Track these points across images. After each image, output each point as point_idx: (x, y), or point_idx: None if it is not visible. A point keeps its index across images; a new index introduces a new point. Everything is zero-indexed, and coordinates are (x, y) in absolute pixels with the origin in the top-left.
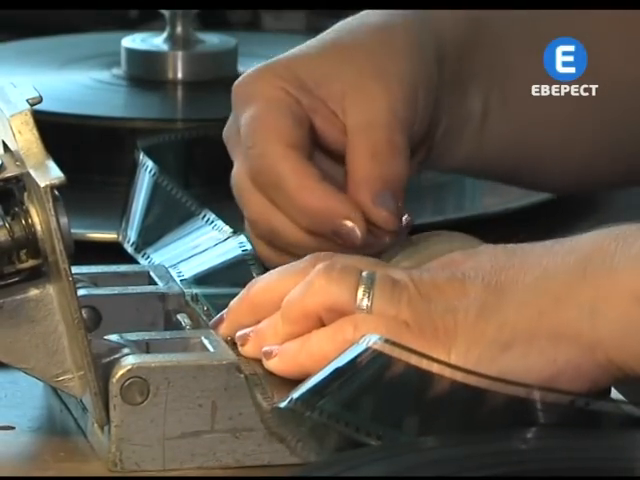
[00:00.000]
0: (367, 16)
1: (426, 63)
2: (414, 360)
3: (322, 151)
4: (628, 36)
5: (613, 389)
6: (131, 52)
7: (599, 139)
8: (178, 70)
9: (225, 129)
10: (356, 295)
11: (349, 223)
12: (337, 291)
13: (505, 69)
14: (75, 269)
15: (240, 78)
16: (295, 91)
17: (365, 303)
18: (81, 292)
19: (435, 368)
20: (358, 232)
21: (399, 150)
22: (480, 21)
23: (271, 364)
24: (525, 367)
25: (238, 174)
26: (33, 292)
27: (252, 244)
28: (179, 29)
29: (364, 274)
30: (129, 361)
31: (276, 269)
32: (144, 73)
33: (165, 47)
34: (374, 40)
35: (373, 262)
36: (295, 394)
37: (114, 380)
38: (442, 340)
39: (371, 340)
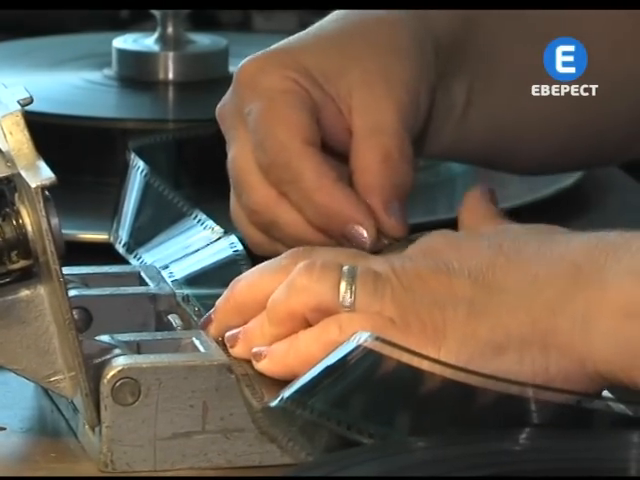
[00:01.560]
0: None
1: (428, 66)
2: (405, 358)
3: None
4: (617, 31)
5: (605, 390)
6: (122, 53)
7: (577, 127)
8: (169, 70)
9: (220, 107)
10: (339, 292)
11: (361, 230)
12: (320, 290)
13: (490, 60)
14: (66, 270)
15: (244, 64)
16: (305, 83)
17: (348, 299)
18: (72, 293)
19: (426, 366)
20: (368, 240)
21: (408, 157)
22: (472, 18)
23: (261, 365)
24: (518, 373)
25: (242, 160)
26: (24, 293)
27: (242, 229)
28: (170, 29)
29: (345, 269)
30: (120, 362)
31: (257, 266)
32: (135, 74)
33: (156, 48)
34: (379, 36)
35: (354, 254)
36: (286, 393)
37: (105, 381)
38: (431, 337)
39: (362, 338)
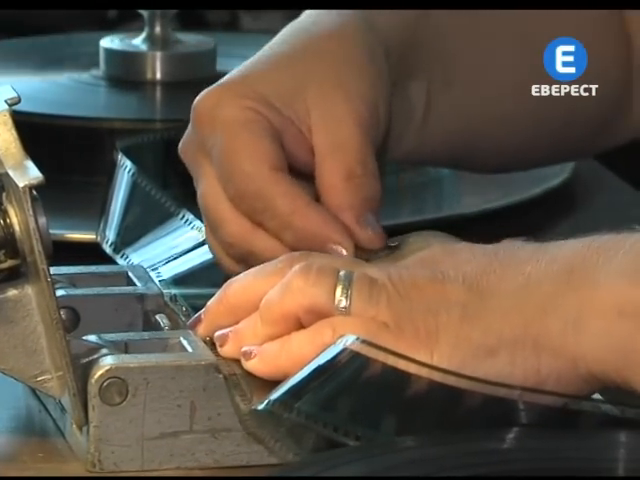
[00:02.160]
0: (314, 23)
1: (382, 74)
2: (392, 361)
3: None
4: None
5: None
6: (110, 52)
7: (540, 123)
8: (157, 70)
9: (182, 145)
10: (334, 296)
11: (340, 249)
12: (315, 292)
13: (446, 58)
14: (54, 269)
15: (200, 99)
16: (264, 110)
17: (343, 304)
18: (60, 292)
19: (413, 368)
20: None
21: (372, 170)
22: (421, 17)
23: (250, 365)
24: (509, 375)
25: (212, 195)
26: (12, 292)
27: (219, 261)
28: (158, 29)
29: (341, 274)
30: (108, 361)
31: (252, 269)
32: (123, 73)
33: (144, 47)
34: (330, 51)
35: (350, 261)
36: (273, 395)
37: (93, 380)
38: (423, 341)
39: (348, 341)
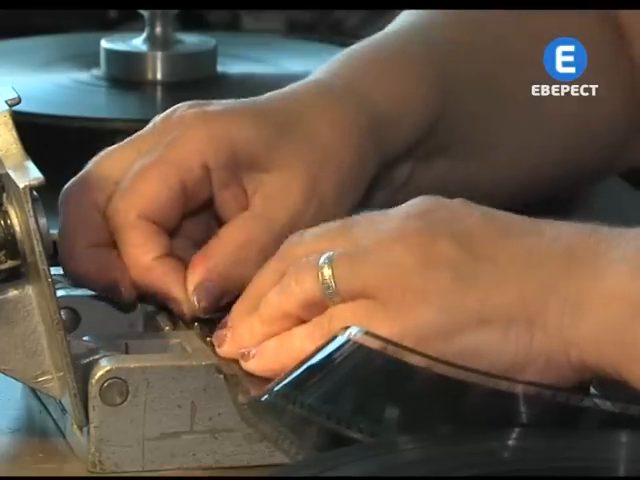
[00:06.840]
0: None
1: (365, 168)
2: (396, 353)
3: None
4: None
5: (592, 388)
6: (110, 53)
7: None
8: (157, 71)
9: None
10: (321, 284)
11: (179, 307)
12: (303, 287)
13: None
14: (54, 270)
15: (183, 108)
16: (216, 160)
17: (331, 288)
18: (60, 293)
19: (416, 360)
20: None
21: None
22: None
23: (250, 365)
24: (500, 349)
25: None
26: (12, 293)
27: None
28: (158, 30)
29: (321, 260)
30: (108, 362)
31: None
32: (123, 74)
33: (144, 48)
34: (319, 132)
35: (338, 233)
36: (275, 387)
37: (93, 381)
38: (410, 302)
39: (351, 332)
